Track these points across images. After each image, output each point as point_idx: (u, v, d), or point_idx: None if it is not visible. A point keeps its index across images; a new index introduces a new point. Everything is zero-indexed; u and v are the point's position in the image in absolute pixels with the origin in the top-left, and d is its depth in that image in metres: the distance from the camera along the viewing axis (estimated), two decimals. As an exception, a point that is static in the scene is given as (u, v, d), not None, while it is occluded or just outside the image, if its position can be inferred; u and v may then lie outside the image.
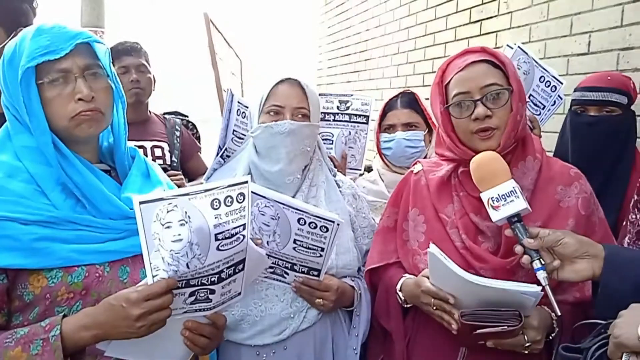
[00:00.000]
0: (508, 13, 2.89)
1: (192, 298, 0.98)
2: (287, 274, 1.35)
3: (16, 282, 0.99)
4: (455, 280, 1.09)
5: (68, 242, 0.99)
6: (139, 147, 1.67)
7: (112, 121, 1.14)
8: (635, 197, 1.26)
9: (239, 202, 0.94)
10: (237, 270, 1.01)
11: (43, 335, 0.92)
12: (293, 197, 1.43)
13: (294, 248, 1.30)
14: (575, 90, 1.72)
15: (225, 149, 1.84)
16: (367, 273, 1.43)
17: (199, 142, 2.49)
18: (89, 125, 1.06)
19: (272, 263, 1.33)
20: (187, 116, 2.47)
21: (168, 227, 0.88)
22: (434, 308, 1.18)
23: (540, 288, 1.03)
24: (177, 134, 2.26)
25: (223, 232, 0.93)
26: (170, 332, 0.99)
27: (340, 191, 1.53)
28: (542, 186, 1.25)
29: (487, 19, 3.08)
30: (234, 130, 1.91)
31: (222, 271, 0.98)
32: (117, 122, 1.15)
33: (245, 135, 1.92)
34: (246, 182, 0.94)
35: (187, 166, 2.32)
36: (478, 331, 1.06)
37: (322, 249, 1.31)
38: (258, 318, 1.36)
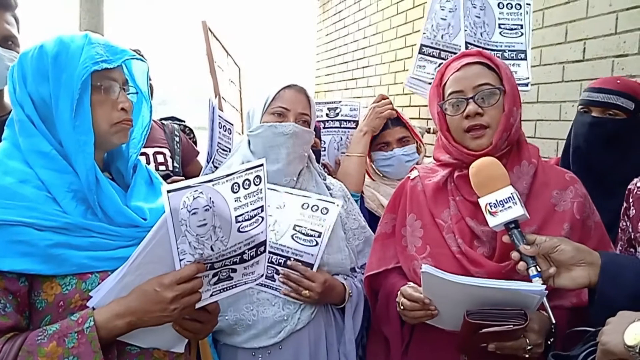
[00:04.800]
0: (504, 21, 2.91)
1: (215, 278, 1.02)
2: (277, 274, 1.37)
3: (29, 289, 0.98)
4: (455, 291, 1.08)
5: (82, 248, 1.00)
6: (142, 154, 1.68)
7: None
8: (625, 204, 1.26)
9: (256, 185, 1.00)
10: (259, 252, 1.06)
11: (77, 328, 0.93)
12: None
13: (292, 236, 1.33)
14: (584, 91, 1.71)
15: (213, 160, 1.87)
16: (367, 279, 1.44)
17: (196, 147, 2.49)
18: (125, 134, 1.11)
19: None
20: (183, 121, 2.47)
21: (194, 213, 0.91)
22: (402, 308, 1.20)
23: (544, 286, 1.03)
24: (177, 139, 2.26)
25: (243, 214, 0.98)
26: None
27: (330, 194, 1.56)
28: (537, 190, 1.26)
29: (483, 26, 3.10)
30: (218, 143, 1.93)
31: (244, 252, 1.03)
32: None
33: (229, 147, 1.97)
34: (262, 165, 1.00)
35: (186, 171, 2.32)
36: (484, 330, 1.05)
37: (320, 234, 1.34)
38: (251, 322, 1.37)
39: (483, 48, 1.80)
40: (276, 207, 1.33)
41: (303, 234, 1.34)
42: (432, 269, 1.08)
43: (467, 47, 1.77)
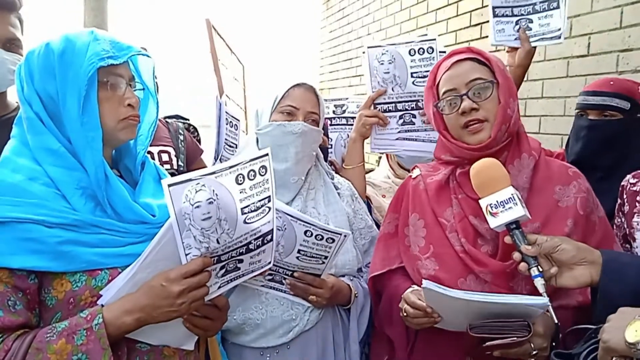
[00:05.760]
0: (508, 16, 2.89)
1: (223, 271, 1.01)
2: (285, 279, 1.37)
3: (39, 287, 0.99)
4: (457, 304, 1.07)
5: (91, 245, 1.00)
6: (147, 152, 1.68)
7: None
8: (619, 200, 1.26)
9: (262, 175, 0.98)
10: (265, 242, 1.04)
11: (86, 325, 0.93)
12: (293, 198, 1.47)
13: (297, 257, 1.32)
14: (579, 94, 1.71)
15: (220, 157, 1.87)
16: (371, 280, 1.43)
17: (200, 145, 2.50)
18: (132, 130, 1.10)
19: (272, 270, 1.34)
20: (188, 119, 2.48)
21: (197, 207, 0.90)
22: (405, 314, 1.20)
23: (547, 299, 1.03)
24: (181, 137, 2.27)
25: (248, 205, 0.97)
26: None
27: (338, 193, 1.55)
28: (540, 186, 1.25)
29: (487, 22, 3.09)
30: (225, 139, 1.94)
31: (249, 243, 1.01)
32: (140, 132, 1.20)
33: (235, 143, 1.97)
34: (267, 154, 0.99)
35: (191, 169, 2.32)
36: (487, 343, 1.06)
37: (326, 257, 1.32)
38: (259, 321, 1.37)
39: (512, 7, 1.79)
40: (277, 227, 1.29)
41: (308, 256, 1.31)
42: (433, 285, 1.07)
43: (494, 12, 1.74)
